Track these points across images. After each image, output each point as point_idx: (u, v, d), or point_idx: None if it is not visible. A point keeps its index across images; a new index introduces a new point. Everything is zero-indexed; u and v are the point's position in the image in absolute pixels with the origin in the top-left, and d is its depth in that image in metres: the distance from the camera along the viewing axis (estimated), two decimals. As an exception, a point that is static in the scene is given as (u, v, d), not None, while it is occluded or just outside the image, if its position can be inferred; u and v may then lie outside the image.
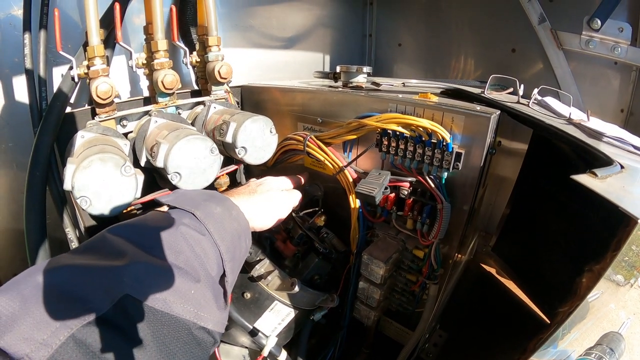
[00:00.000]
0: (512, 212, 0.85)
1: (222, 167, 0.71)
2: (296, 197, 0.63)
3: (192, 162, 0.56)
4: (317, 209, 0.71)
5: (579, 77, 0.99)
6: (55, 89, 0.61)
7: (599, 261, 0.43)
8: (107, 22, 0.65)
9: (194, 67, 0.75)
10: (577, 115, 0.66)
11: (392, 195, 0.62)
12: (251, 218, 0.51)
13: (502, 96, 0.72)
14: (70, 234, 0.63)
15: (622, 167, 0.47)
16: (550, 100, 0.72)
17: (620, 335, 0.72)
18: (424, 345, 0.81)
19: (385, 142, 0.61)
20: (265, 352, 0.59)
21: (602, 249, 0.43)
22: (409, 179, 0.60)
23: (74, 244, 0.64)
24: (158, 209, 0.45)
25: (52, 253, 0.61)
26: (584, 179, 0.42)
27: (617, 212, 0.37)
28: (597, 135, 0.60)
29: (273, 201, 0.57)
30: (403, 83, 0.84)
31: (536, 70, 1.04)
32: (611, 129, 0.63)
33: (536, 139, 0.70)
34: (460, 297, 0.89)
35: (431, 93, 0.63)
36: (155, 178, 0.66)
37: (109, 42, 0.66)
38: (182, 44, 0.71)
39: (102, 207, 0.51)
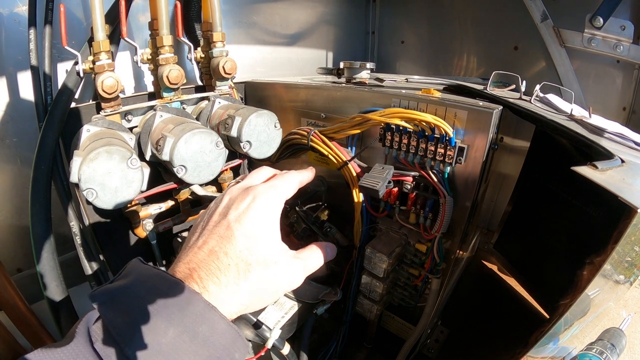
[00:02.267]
0: (513, 209, 0.86)
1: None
2: (316, 260, 0.41)
3: (197, 156, 0.57)
4: (320, 203, 0.71)
5: (581, 75, 0.99)
6: (59, 85, 0.62)
7: (600, 254, 0.44)
8: (112, 17, 0.65)
9: (198, 63, 0.76)
10: (579, 112, 0.67)
11: (395, 189, 0.62)
12: (245, 306, 0.35)
13: (504, 93, 0.72)
14: (75, 227, 0.64)
15: (622, 161, 0.47)
16: (552, 97, 0.73)
17: (621, 332, 0.72)
18: (426, 341, 0.81)
19: (389, 137, 0.61)
20: (268, 345, 0.59)
21: (603, 242, 0.43)
22: (412, 173, 0.61)
23: (78, 238, 0.64)
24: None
25: (57, 248, 0.61)
26: (584, 170, 0.42)
27: (618, 204, 0.37)
28: (599, 131, 0.60)
29: (277, 276, 0.37)
30: (406, 79, 0.85)
31: (538, 68, 1.05)
32: (612, 126, 0.64)
33: (538, 136, 0.71)
34: (462, 295, 0.90)
35: (434, 89, 0.63)
36: (161, 172, 0.67)
37: (114, 38, 0.67)
38: (186, 40, 0.71)
39: (108, 199, 0.51)
